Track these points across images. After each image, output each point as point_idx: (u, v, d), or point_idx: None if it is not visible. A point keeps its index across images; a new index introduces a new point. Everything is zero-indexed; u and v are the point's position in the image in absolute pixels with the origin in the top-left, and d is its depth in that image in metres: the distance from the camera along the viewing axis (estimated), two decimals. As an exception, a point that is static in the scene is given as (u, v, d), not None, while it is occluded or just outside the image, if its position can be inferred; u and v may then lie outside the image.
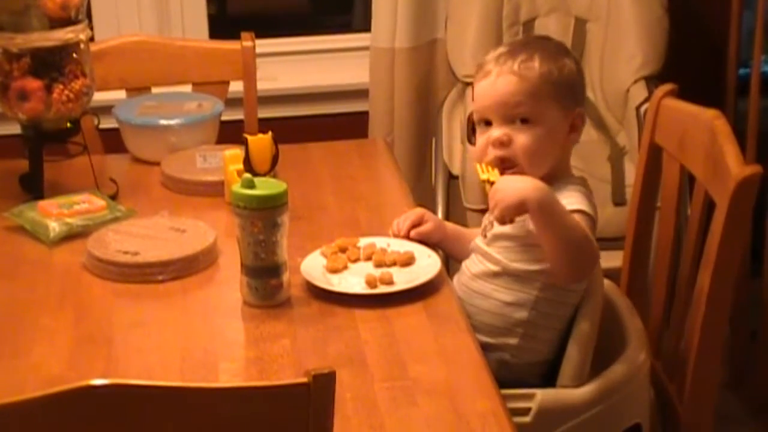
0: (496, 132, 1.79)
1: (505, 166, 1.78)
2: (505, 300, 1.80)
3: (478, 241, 1.87)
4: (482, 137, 1.82)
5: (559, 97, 1.80)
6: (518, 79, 1.78)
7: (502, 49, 1.84)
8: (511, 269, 1.80)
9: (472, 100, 1.88)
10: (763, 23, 2.77)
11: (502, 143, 1.78)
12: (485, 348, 1.75)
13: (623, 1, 2.83)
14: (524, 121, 1.78)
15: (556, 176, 1.80)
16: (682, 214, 2.14)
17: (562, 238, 1.70)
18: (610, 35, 2.84)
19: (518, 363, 1.82)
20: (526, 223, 1.76)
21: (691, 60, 3.01)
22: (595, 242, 1.74)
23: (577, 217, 1.74)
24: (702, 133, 1.84)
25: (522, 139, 1.78)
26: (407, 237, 1.88)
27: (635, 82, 2.79)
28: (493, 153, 1.79)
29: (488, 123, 1.81)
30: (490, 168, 1.77)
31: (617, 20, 2.84)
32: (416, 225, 1.90)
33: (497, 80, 1.80)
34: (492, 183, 1.73)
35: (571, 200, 1.76)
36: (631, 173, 2.44)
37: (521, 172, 1.77)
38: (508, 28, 2.85)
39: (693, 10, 3.07)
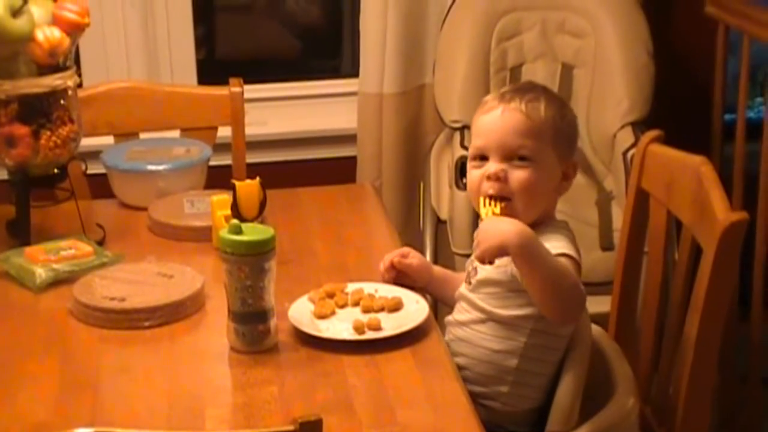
0: (493, 167, 1.79)
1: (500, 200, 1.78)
2: (493, 348, 1.80)
3: (463, 289, 1.87)
4: (477, 171, 1.81)
5: (558, 143, 1.81)
6: (525, 117, 1.79)
7: (505, 89, 1.85)
8: (497, 316, 1.79)
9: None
10: (748, 69, 2.79)
11: (499, 178, 1.78)
12: (477, 398, 1.73)
13: (610, 47, 2.85)
14: (522, 158, 1.79)
15: (542, 222, 1.80)
16: (670, 259, 2.14)
17: (546, 282, 1.70)
18: (597, 81, 2.86)
19: (510, 411, 1.81)
20: (509, 268, 1.76)
21: (677, 106, 3.02)
22: (581, 285, 1.73)
23: (563, 260, 1.74)
24: (689, 179, 1.84)
25: (519, 174, 1.78)
26: (392, 270, 1.88)
27: (622, 127, 2.80)
28: (489, 187, 1.78)
29: (484, 158, 1.81)
30: (492, 202, 1.77)
31: (604, 66, 2.85)
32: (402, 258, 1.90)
33: (504, 115, 1.79)
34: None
35: (556, 244, 1.75)
36: (619, 218, 2.45)
37: (513, 208, 1.76)
38: (496, 74, 2.86)
39: (679, 56, 3.10)
